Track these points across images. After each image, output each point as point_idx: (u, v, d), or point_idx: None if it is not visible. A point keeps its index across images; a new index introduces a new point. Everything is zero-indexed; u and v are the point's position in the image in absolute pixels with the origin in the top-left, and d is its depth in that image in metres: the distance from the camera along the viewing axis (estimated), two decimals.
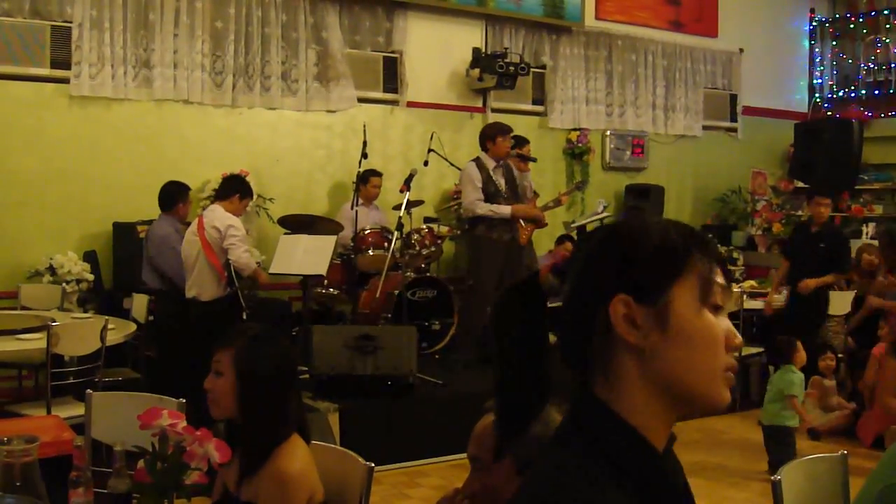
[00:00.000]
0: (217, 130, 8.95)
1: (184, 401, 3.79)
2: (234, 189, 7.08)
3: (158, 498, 2.27)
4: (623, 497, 1.33)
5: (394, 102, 9.92)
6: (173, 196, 7.58)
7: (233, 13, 8.87)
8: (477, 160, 7.99)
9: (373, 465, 2.96)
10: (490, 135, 8.03)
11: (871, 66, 12.71)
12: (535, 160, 8.64)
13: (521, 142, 9.04)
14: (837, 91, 13.17)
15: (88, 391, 4.07)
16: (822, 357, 7.96)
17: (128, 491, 2.43)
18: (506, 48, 10.29)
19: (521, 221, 8.76)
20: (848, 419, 7.70)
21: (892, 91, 12.39)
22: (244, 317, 6.96)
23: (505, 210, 7.91)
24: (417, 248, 8.60)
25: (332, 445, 3.30)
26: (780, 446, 6.65)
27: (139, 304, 7.37)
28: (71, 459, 2.73)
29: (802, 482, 3.16)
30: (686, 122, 12.06)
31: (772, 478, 3.03)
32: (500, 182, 7.97)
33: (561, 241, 10.20)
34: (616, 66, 11.43)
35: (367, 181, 8.88)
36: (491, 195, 7.91)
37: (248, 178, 8.49)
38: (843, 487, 3.23)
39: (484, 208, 7.90)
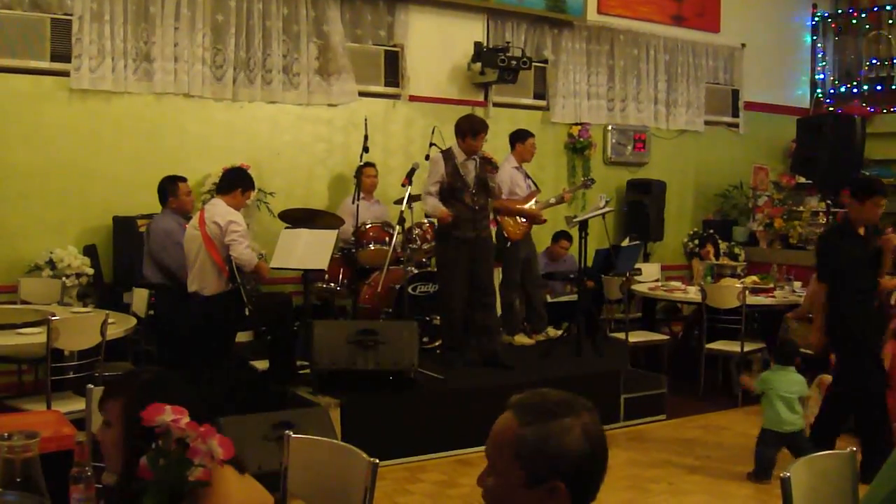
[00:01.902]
0: (218, 124, 8.92)
1: None
2: (235, 183, 7.03)
3: (160, 494, 2.24)
4: None
5: (395, 96, 9.90)
6: (163, 190, 7.58)
7: (233, 6, 8.83)
8: (447, 151, 7.79)
9: (377, 460, 2.93)
10: (460, 132, 7.76)
11: (874, 61, 12.68)
12: (496, 167, 8.44)
13: (525, 135, 9.00)
14: (839, 86, 13.14)
15: (89, 386, 4.05)
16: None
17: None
18: (507, 42, 10.26)
19: (518, 218, 8.72)
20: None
21: (894, 86, 12.36)
22: (246, 312, 6.94)
23: (440, 213, 7.62)
24: (419, 242, 8.57)
25: (336, 441, 3.27)
26: (804, 451, 5.53)
27: (139, 298, 7.35)
28: (71, 455, 2.70)
29: (811, 479, 3.13)
30: (688, 117, 12.04)
31: (781, 475, 3.00)
32: (469, 176, 7.75)
33: (556, 238, 10.15)
34: (618, 60, 11.41)
35: (361, 174, 8.82)
36: (457, 189, 7.69)
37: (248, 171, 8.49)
38: (852, 485, 3.20)
39: (428, 204, 7.70)
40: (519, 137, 9.01)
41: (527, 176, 9.04)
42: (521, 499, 1.99)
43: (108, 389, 2.60)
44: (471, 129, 7.68)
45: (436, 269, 8.25)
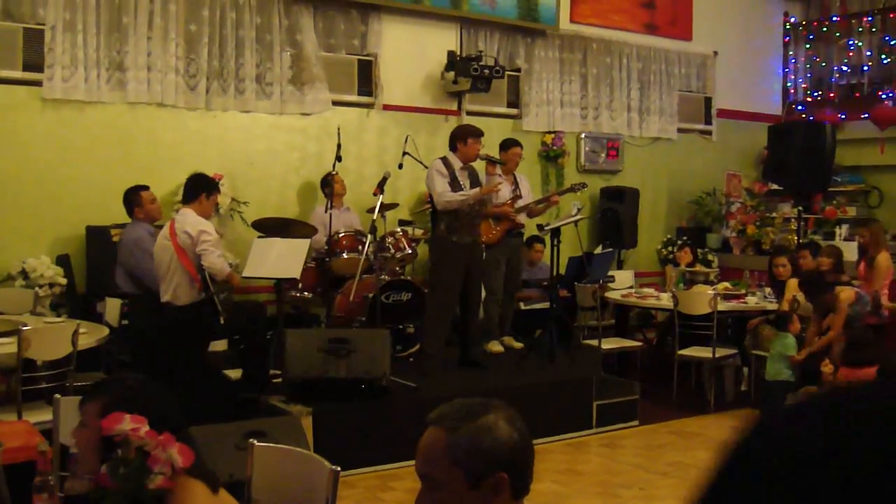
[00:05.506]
0: (191, 133, 8.92)
1: None
2: (198, 189, 7.05)
3: (120, 502, 2.26)
4: None
5: (368, 105, 9.91)
6: (128, 202, 7.64)
7: (206, 15, 8.85)
8: (444, 159, 7.90)
9: (339, 468, 2.95)
10: (461, 136, 7.91)
11: (844, 68, 12.78)
12: (503, 163, 8.55)
13: (512, 144, 9.07)
14: (811, 93, 13.24)
15: (56, 396, 4.06)
16: (822, 363, 7.88)
17: (86, 493, 2.41)
18: (480, 51, 10.29)
19: (491, 220, 8.77)
20: None
21: (864, 94, 12.47)
22: (221, 321, 6.96)
23: (473, 192, 7.77)
24: (392, 251, 8.59)
25: (299, 449, 3.29)
26: (777, 396, 7.63)
27: (112, 308, 7.34)
28: None
29: None
30: (661, 125, 12.11)
31: None
32: (466, 184, 7.86)
33: (529, 242, 10.16)
34: (591, 68, 11.47)
35: (329, 183, 8.82)
36: None
37: (221, 182, 8.50)
38: None
39: (457, 198, 7.76)
40: (509, 146, 9.08)
41: (515, 185, 9.08)
42: (469, 502, 2.02)
43: (92, 390, 2.62)
44: (471, 133, 7.88)
45: (431, 274, 8.30)
